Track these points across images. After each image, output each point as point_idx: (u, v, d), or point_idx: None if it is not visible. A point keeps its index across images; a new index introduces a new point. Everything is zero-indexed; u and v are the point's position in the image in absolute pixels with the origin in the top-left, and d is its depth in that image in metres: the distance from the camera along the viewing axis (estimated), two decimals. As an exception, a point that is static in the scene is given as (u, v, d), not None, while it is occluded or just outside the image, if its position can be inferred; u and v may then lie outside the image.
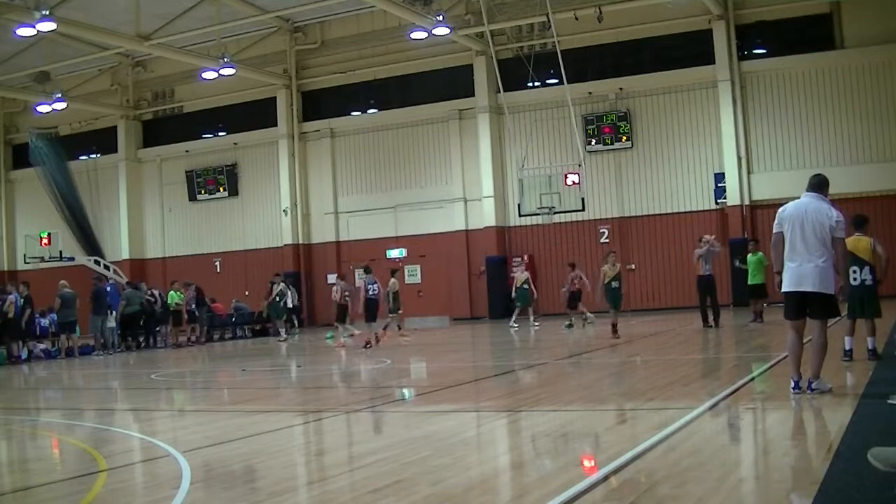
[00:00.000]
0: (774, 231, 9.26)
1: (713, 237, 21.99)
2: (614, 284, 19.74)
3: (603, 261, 20.82)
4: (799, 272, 8.94)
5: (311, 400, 12.78)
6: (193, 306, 27.99)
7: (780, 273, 9.23)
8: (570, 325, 24.83)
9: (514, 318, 26.20)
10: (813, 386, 9.00)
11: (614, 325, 19.72)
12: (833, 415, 8.15)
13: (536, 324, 25.96)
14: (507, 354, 18.81)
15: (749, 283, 21.50)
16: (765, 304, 21.33)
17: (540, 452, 7.59)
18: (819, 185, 9.29)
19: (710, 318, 20.63)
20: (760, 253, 21.37)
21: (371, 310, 21.49)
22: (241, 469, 7.49)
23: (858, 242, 11.53)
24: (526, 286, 25.71)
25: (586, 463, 6.98)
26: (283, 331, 26.97)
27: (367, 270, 22.32)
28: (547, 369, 14.89)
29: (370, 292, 21.38)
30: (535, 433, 8.54)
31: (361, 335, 22.17)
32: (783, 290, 9.12)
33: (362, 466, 7.23)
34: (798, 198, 9.34)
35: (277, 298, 26.67)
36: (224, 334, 30.85)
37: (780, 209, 9.30)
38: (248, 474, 7.30)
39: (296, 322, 31.56)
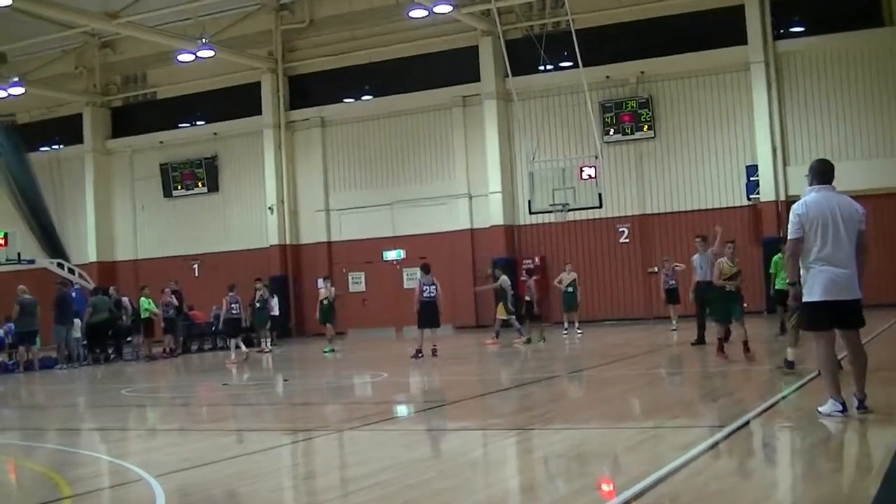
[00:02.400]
0: (794, 236, 8.78)
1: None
2: (729, 287, 15.77)
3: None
4: (836, 279, 8.65)
5: (301, 417, 12.79)
6: (171, 312, 27.94)
7: (794, 284, 8.92)
8: (529, 341, 23.44)
9: (565, 324, 26.04)
10: (866, 403, 8.79)
11: (721, 340, 16.01)
12: (879, 435, 8.14)
13: (580, 331, 25.78)
14: (515, 367, 18.80)
15: (777, 287, 20.41)
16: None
17: (553, 475, 7.60)
18: (831, 172, 8.94)
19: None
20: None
21: (427, 314, 20.83)
22: (221, 494, 7.49)
23: None
24: (571, 288, 25.51)
25: (604, 487, 6.99)
26: (266, 341, 26.89)
27: (425, 270, 21.43)
28: (560, 383, 14.89)
29: (426, 294, 20.85)
30: (548, 453, 8.55)
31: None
32: (817, 299, 8.72)
33: (358, 490, 7.25)
34: (800, 194, 9.14)
35: (258, 305, 26.54)
36: (203, 345, 30.86)
37: (799, 209, 8.81)
38: (229, 500, 7.31)
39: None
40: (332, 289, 26.25)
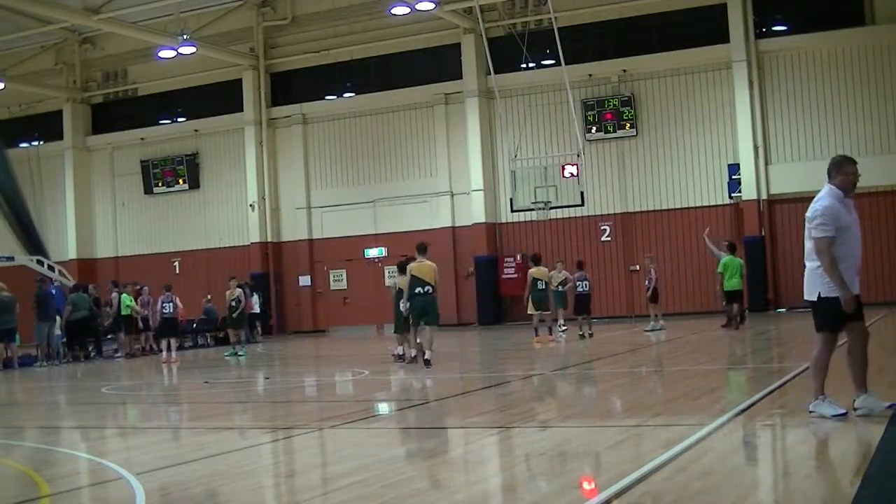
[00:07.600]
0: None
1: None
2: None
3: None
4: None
5: (281, 415, 12.76)
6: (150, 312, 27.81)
7: None
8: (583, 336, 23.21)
9: (560, 321, 25.55)
10: (811, 408, 8.62)
11: None
12: (861, 433, 8.16)
13: (563, 329, 25.55)
14: (497, 364, 18.80)
15: (726, 289, 22.43)
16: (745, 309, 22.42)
17: (534, 473, 7.59)
18: (828, 169, 8.66)
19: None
20: (739, 260, 22.80)
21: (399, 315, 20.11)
22: (201, 493, 7.46)
23: (424, 267, 16.91)
24: (561, 287, 25.33)
25: (586, 485, 6.98)
26: (237, 344, 25.85)
27: (401, 269, 21.21)
28: (542, 381, 14.89)
29: (416, 291, 20.39)
30: (529, 452, 8.54)
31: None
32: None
33: (337, 489, 7.22)
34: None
35: (233, 305, 25.73)
36: (183, 343, 30.69)
37: None
38: (209, 499, 7.27)
39: (258, 329, 31.82)
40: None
